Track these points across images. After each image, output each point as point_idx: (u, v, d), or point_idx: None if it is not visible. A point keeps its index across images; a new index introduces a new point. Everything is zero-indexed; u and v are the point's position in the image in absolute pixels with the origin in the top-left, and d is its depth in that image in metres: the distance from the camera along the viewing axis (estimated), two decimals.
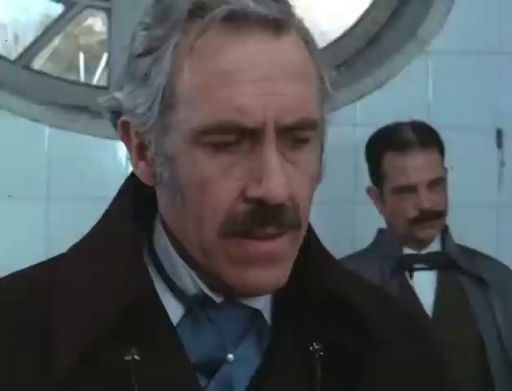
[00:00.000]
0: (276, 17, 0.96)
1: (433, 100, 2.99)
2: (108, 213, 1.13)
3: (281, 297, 1.10)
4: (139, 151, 1.06)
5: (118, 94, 1.05)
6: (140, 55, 1.01)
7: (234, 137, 0.96)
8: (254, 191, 0.95)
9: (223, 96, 0.95)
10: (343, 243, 2.69)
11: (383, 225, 2.67)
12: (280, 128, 0.96)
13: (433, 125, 2.63)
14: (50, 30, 3.03)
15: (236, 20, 0.95)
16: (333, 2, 3.33)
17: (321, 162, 1.09)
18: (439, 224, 2.58)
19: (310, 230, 1.11)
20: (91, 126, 2.83)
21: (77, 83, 3.18)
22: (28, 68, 2.98)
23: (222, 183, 0.98)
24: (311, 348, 1.06)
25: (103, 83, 3.18)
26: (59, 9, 3.05)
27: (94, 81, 3.35)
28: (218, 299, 1.05)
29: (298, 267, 1.09)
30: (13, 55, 3.02)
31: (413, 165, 2.55)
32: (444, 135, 2.57)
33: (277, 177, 0.95)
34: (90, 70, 3.37)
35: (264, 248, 0.97)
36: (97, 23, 3.39)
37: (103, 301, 1.02)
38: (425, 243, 2.62)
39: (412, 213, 2.51)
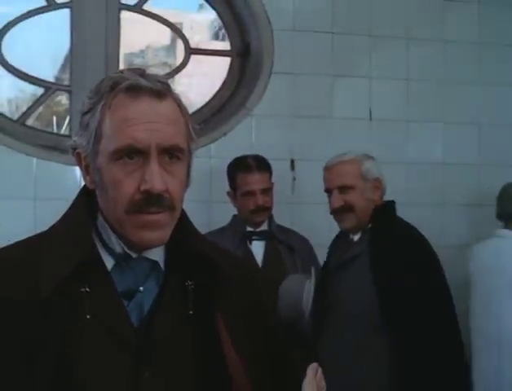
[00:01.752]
0: (158, 89, 1.31)
1: (255, 143, 3.91)
2: (71, 207, 1.43)
3: (169, 254, 1.42)
4: (85, 169, 1.38)
5: (75, 138, 1.38)
6: (85, 113, 1.34)
7: (133, 155, 1.30)
8: (144, 186, 1.29)
9: (126, 132, 1.29)
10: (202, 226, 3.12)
11: (223, 214, 3.56)
12: (160, 149, 1.30)
13: None
14: (36, 103, 3.93)
15: (134, 90, 1.30)
16: (200, 87, 4.31)
17: (189, 175, 1.41)
18: (266, 214, 3.42)
19: (184, 214, 1.44)
20: (60, 158, 3.65)
21: (52, 133, 4.07)
22: (23, 124, 3.87)
23: (127, 183, 1.30)
24: (186, 283, 1.40)
25: (67, 133, 3.98)
26: (41, 90, 3.92)
27: (62, 132, 4.14)
28: (134, 255, 1.37)
29: (178, 237, 1.40)
30: (15, 117, 3.89)
31: (253, 180, 3.35)
32: None
33: (157, 178, 1.29)
34: (60, 126, 4.21)
35: (151, 219, 1.31)
36: (63, 98, 4.19)
37: (68, 257, 1.31)
38: (259, 224, 3.42)
39: (252, 207, 3.36)
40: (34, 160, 3.69)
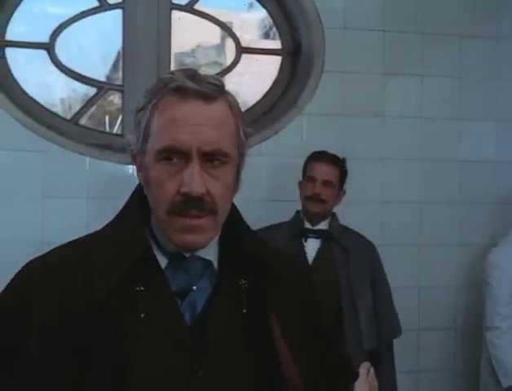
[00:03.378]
0: (206, 92, 1.32)
1: (306, 142, 3.91)
2: (126, 205, 1.47)
3: (223, 253, 1.45)
4: (138, 167, 1.42)
5: (130, 135, 1.43)
6: (139, 110, 1.38)
7: (175, 156, 1.32)
8: (183, 189, 1.30)
9: (170, 133, 1.31)
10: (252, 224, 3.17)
11: (274, 212, 3.65)
12: (201, 152, 1.31)
13: (304, 158, 3.54)
14: (89, 102, 3.98)
15: (181, 91, 1.32)
16: (251, 86, 4.26)
17: (238, 179, 1.42)
18: (320, 206, 3.38)
19: (238, 213, 1.48)
20: (113, 157, 3.70)
21: (104, 132, 4.08)
22: (76, 124, 3.90)
23: (169, 184, 1.32)
24: (240, 282, 1.42)
25: (120, 132, 4.01)
26: (94, 90, 3.97)
27: (114, 131, 4.15)
28: (187, 254, 1.39)
29: (232, 236, 1.44)
30: (68, 117, 3.93)
31: (318, 168, 3.40)
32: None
33: (195, 181, 1.30)
34: (112, 125, 4.20)
35: (192, 223, 1.32)
36: (116, 98, 4.18)
37: (123, 256, 1.34)
38: (315, 218, 3.40)
39: (308, 193, 3.38)
40: (87, 159, 3.72)
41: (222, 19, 4.17)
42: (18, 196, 3.62)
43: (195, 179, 1.29)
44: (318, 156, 3.47)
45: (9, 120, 3.67)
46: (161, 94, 1.34)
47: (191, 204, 1.30)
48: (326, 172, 3.42)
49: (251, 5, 4.40)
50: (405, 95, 4.15)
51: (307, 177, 3.46)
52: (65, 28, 3.91)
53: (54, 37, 3.90)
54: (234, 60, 4.16)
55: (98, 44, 4.11)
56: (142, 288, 1.32)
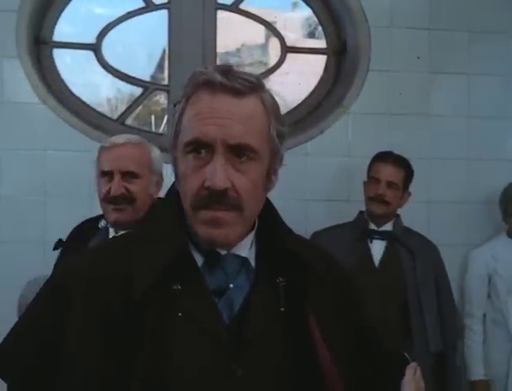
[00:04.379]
0: (235, 87, 1.31)
1: (351, 141, 3.93)
2: (163, 203, 1.51)
3: (260, 251, 1.44)
4: (172, 162, 1.43)
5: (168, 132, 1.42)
6: (174, 106, 1.40)
7: (201, 149, 1.32)
8: (207, 182, 1.30)
9: (197, 125, 1.32)
10: (297, 224, 3.44)
11: (320, 213, 3.75)
12: (226, 146, 1.30)
13: (352, 158, 3.69)
14: (135, 102, 4.04)
15: (210, 85, 1.32)
16: (296, 85, 4.20)
17: (269, 177, 1.40)
18: (383, 207, 3.40)
19: (275, 211, 1.48)
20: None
21: (150, 132, 4.14)
22: (123, 124, 3.98)
23: (194, 178, 1.32)
24: (277, 280, 1.42)
25: (165, 132, 4.01)
26: (139, 90, 4.03)
27: (160, 131, 4.19)
28: (222, 252, 1.39)
29: (269, 235, 1.44)
30: (114, 117, 4.01)
31: (382, 169, 3.42)
32: (363, 163, 3.53)
33: (218, 175, 1.29)
34: (158, 125, 4.27)
35: (216, 215, 1.32)
36: (161, 98, 4.27)
37: (161, 255, 1.34)
38: (378, 218, 3.42)
39: (371, 194, 3.41)
40: None
41: (267, 18, 4.18)
42: (65, 195, 3.66)
43: (218, 173, 1.28)
44: (383, 157, 3.47)
45: (56, 120, 3.73)
46: (192, 89, 1.34)
47: (214, 198, 1.30)
48: (390, 173, 3.42)
49: (295, 4, 4.41)
50: (452, 94, 4.12)
51: (371, 178, 3.47)
52: (111, 28, 3.97)
53: (100, 37, 3.96)
54: (279, 60, 4.15)
55: (143, 44, 4.18)
56: (179, 287, 1.32)
